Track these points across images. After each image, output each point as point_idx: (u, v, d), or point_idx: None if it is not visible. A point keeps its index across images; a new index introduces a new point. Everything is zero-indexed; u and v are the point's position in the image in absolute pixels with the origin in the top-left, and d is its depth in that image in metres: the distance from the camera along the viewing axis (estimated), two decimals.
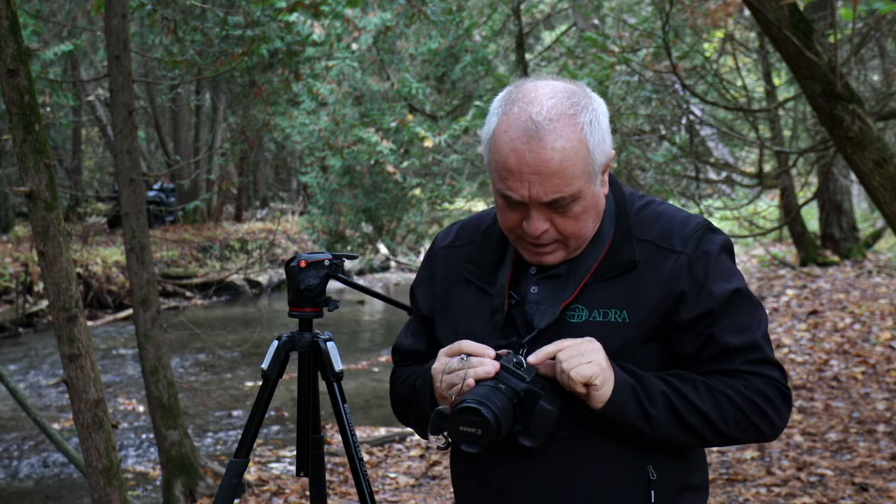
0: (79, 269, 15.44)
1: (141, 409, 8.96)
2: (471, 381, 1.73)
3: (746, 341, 1.79)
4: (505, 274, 1.87)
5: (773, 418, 1.80)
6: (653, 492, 1.79)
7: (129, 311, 14.71)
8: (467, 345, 1.79)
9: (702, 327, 1.78)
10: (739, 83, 11.10)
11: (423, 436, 2.05)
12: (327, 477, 4.74)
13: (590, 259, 1.82)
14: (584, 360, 1.72)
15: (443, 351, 1.83)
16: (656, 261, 1.79)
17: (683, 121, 10.98)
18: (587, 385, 1.72)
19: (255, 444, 2.56)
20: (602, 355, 1.73)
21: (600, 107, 1.78)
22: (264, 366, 2.34)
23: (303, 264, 2.27)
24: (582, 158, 1.72)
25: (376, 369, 10.82)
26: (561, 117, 1.71)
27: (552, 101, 1.73)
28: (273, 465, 7.09)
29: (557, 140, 1.70)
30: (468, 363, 1.75)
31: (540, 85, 1.77)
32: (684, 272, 1.78)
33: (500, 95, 1.81)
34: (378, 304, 17.20)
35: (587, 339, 1.75)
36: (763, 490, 5.24)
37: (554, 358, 1.75)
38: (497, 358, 1.77)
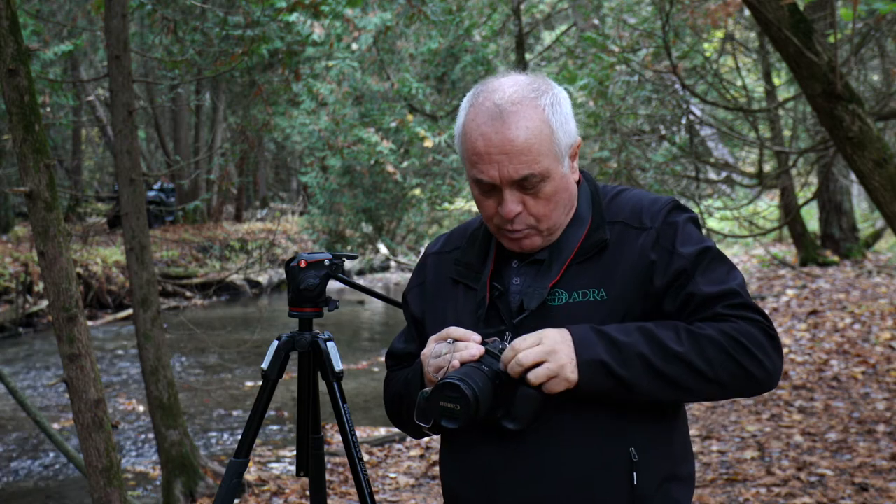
0: (79, 269, 15.44)
1: (141, 409, 8.96)
2: (456, 363, 1.80)
3: (724, 289, 1.82)
4: (487, 270, 1.94)
5: (761, 359, 1.78)
6: (635, 474, 1.82)
7: (129, 311, 14.71)
8: (455, 330, 1.86)
9: (678, 288, 1.83)
10: (739, 83, 11.11)
11: (415, 435, 2.08)
12: (327, 477, 4.74)
13: (571, 242, 1.89)
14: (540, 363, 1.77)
15: (432, 337, 1.90)
16: (628, 239, 1.87)
17: (683, 121, 10.98)
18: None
19: (255, 444, 2.56)
20: (555, 349, 1.77)
21: (561, 93, 1.89)
22: (264, 366, 2.34)
23: (303, 264, 2.27)
24: (546, 138, 1.82)
25: (376, 369, 10.82)
26: (523, 100, 1.82)
27: (514, 88, 1.84)
28: (273, 465, 7.09)
29: (521, 120, 1.80)
30: (454, 347, 1.82)
31: (503, 78, 1.89)
32: (652, 244, 1.85)
33: (468, 94, 1.92)
34: (378, 304, 17.20)
35: (544, 337, 1.78)
36: (763, 490, 5.24)
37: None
38: (483, 344, 1.83)
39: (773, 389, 1.86)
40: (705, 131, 14.54)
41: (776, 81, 13.86)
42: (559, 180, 1.85)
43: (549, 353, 1.76)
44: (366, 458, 6.74)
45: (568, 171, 1.88)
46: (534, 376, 1.76)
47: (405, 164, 12.55)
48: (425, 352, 1.89)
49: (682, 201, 11.53)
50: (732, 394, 1.84)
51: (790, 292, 11.81)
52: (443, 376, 1.79)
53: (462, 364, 1.80)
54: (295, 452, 2.46)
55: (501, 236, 1.91)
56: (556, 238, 1.90)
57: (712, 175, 13.66)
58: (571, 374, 1.77)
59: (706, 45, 11.40)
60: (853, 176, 12.87)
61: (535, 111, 1.82)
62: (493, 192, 1.85)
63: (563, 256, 1.88)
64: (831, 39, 5.11)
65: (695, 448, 6.11)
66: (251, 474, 6.48)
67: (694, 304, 1.82)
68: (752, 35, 13.37)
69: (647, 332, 1.79)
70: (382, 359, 11.44)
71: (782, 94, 13.50)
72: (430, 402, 1.77)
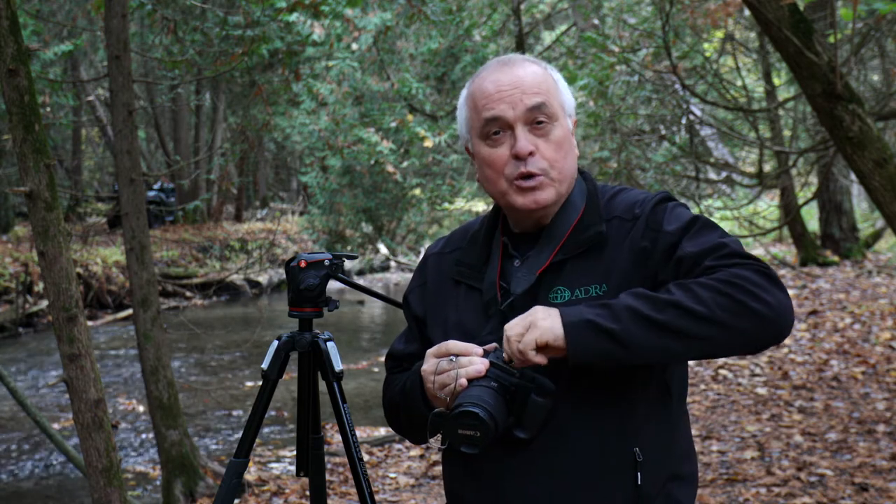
0: (79, 269, 15.44)
1: (141, 409, 8.96)
2: (463, 382, 1.76)
3: (711, 244, 1.78)
4: (493, 270, 1.94)
5: (761, 295, 1.69)
6: (639, 473, 1.82)
7: (129, 311, 14.71)
8: (454, 345, 1.83)
9: (668, 257, 1.81)
10: (739, 83, 11.11)
11: (414, 440, 2.07)
12: (327, 477, 4.74)
13: (561, 228, 1.90)
14: (527, 331, 1.75)
15: (430, 352, 1.86)
16: (623, 232, 1.88)
17: (683, 121, 10.99)
18: (545, 348, 1.74)
19: (255, 444, 2.56)
20: (536, 318, 1.75)
21: (560, 74, 2.01)
22: (264, 366, 2.33)
23: (303, 264, 2.27)
24: (552, 86, 1.93)
25: (376, 369, 10.82)
26: (527, 59, 1.97)
27: (517, 55, 1.99)
28: (273, 465, 7.09)
29: (529, 65, 1.94)
30: (457, 363, 1.78)
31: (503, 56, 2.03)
32: (642, 232, 1.86)
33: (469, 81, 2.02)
34: (378, 304, 17.20)
35: (529, 314, 1.77)
36: (763, 490, 5.24)
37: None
38: (485, 355, 1.79)
39: (789, 328, 1.73)
40: (705, 131, 14.55)
41: (776, 81, 13.87)
42: (565, 131, 1.92)
43: (531, 323, 1.74)
44: (366, 458, 6.74)
45: (570, 133, 1.94)
46: (531, 354, 1.73)
47: (405, 164, 12.56)
48: (425, 367, 1.85)
49: (682, 201, 11.60)
50: (745, 337, 1.71)
51: (790, 292, 11.78)
52: (452, 397, 1.75)
53: (469, 380, 1.76)
54: (295, 452, 2.46)
55: (513, 192, 1.89)
56: (562, 205, 1.92)
57: (712, 175, 13.67)
58: (557, 331, 1.72)
59: (706, 45, 11.40)
60: (853, 176, 12.88)
61: (539, 66, 1.95)
62: (504, 139, 1.89)
63: (553, 243, 1.89)
64: (831, 39, 5.10)
65: (695, 448, 6.10)
66: (251, 474, 6.48)
67: (686, 266, 1.77)
68: (752, 35, 13.38)
69: (633, 291, 1.75)
70: (382, 359, 11.42)
71: (782, 94, 13.51)
72: (449, 431, 1.73)
